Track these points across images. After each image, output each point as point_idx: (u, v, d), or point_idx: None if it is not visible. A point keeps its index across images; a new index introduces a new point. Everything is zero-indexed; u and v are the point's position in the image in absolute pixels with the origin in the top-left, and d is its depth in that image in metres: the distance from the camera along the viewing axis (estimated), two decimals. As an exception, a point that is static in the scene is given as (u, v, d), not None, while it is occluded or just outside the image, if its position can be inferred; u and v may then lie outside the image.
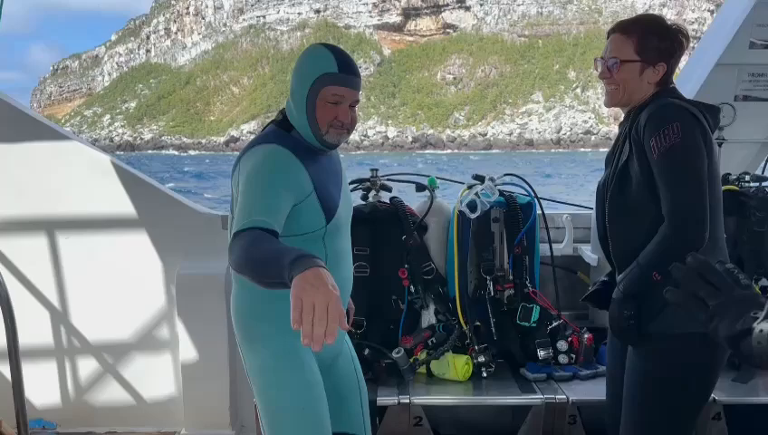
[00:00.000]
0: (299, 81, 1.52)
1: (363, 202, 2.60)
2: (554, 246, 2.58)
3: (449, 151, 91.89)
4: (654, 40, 1.59)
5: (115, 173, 2.55)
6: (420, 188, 2.60)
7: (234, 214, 1.44)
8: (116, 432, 2.66)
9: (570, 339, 2.40)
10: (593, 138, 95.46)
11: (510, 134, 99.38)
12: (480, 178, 2.49)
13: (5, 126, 2.52)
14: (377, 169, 2.61)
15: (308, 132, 1.53)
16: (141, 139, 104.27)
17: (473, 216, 2.40)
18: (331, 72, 1.48)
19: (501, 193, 2.47)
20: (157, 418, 2.64)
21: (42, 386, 2.62)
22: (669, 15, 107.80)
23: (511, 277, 2.45)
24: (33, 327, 2.56)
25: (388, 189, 2.60)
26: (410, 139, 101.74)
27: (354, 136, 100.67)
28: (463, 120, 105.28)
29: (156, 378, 2.66)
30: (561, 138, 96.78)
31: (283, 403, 1.52)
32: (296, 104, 1.53)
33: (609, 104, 1.70)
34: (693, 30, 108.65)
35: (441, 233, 2.56)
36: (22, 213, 2.56)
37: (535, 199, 2.50)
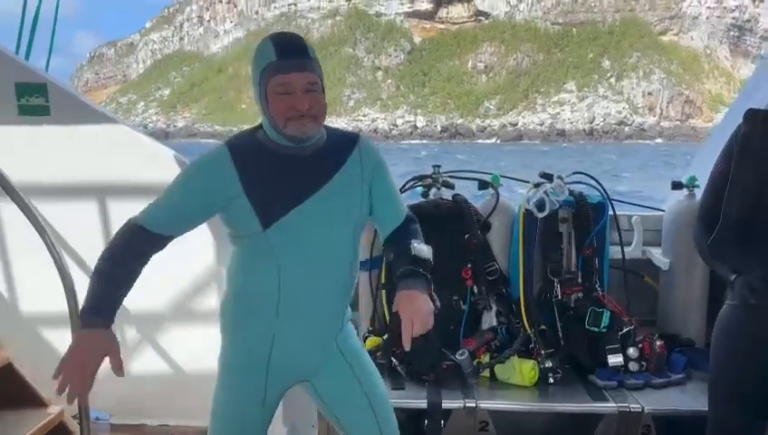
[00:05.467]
0: (253, 80, 1.45)
1: (424, 199, 2.53)
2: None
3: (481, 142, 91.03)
4: None
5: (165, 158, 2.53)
6: (483, 185, 2.52)
7: None
8: (167, 425, 2.65)
9: (641, 346, 2.30)
10: (627, 129, 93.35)
11: (541, 124, 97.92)
12: (548, 177, 2.40)
13: (62, 110, 2.51)
14: (439, 166, 2.54)
15: (270, 131, 1.46)
16: (174, 126, 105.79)
17: (541, 215, 2.32)
18: (271, 62, 1.39)
19: (570, 192, 2.38)
20: (208, 412, 2.63)
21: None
22: (710, 3, 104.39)
23: (579, 280, 2.36)
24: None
25: (451, 186, 2.53)
26: (439, 128, 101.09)
27: (383, 125, 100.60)
28: (494, 110, 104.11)
29: (207, 372, 2.64)
30: (593, 128, 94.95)
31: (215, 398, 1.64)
32: (258, 105, 1.46)
33: None
34: (733, 18, 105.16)
35: (505, 232, 2.48)
36: (73, 185, 2.56)
37: (607, 200, 2.40)
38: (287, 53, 1.39)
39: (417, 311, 1.42)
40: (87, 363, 1.38)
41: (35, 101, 2.47)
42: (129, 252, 1.45)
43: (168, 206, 1.48)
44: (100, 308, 1.41)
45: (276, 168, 1.45)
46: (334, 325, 1.60)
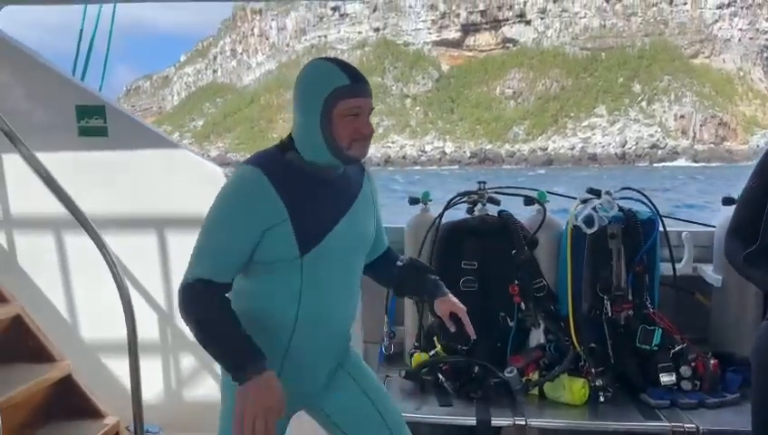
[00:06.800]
0: (309, 100, 1.42)
1: (470, 215, 2.55)
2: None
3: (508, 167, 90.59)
4: None
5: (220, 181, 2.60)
6: (529, 201, 2.53)
7: None
8: None
9: (693, 364, 2.25)
10: (660, 152, 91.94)
11: (572, 148, 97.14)
12: (596, 192, 2.39)
13: (124, 134, 2.61)
14: (484, 182, 2.56)
15: (323, 152, 1.43)
16: (208, 156, 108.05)
17: (590, 231, 2.30)
18: (343, 86, 1.40)
19: (619, 208, 2.36)
20: None
21: (146, 386, 2.64)
22: (741, 25, 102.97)
23: (630, 297, 2.33)
24: (140, 326, 2.60)
25: (497, 202, 2.54)
26: (468, 154, 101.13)
27: (412, 151, 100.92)
28: (522, 135, 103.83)
29: None
30: (626, 152, 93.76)
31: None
32: (308, 125, 1.42)
33: None
34: (767, 39, 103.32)
35: (552, 249, 2.47)
36: (135, 213, 2.64)
37: (657, 216, 2.37)
38: (358, 78, 1.43)
39: (460, 305, 1.66)
40: (273, 407, 1.30)
41: (94, 122, 2.58)
42: (216, 308, 1.39)
43: (224, 251, 1.41)
44: (249, 352, 1.34)
45: (312, 191, 1.45)
46: (344, 347, 1.60)
